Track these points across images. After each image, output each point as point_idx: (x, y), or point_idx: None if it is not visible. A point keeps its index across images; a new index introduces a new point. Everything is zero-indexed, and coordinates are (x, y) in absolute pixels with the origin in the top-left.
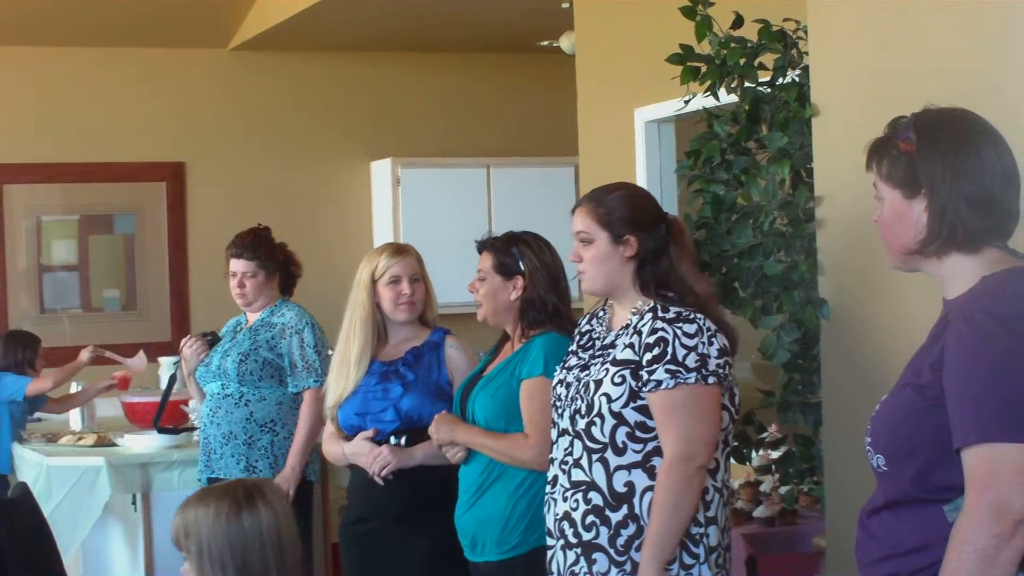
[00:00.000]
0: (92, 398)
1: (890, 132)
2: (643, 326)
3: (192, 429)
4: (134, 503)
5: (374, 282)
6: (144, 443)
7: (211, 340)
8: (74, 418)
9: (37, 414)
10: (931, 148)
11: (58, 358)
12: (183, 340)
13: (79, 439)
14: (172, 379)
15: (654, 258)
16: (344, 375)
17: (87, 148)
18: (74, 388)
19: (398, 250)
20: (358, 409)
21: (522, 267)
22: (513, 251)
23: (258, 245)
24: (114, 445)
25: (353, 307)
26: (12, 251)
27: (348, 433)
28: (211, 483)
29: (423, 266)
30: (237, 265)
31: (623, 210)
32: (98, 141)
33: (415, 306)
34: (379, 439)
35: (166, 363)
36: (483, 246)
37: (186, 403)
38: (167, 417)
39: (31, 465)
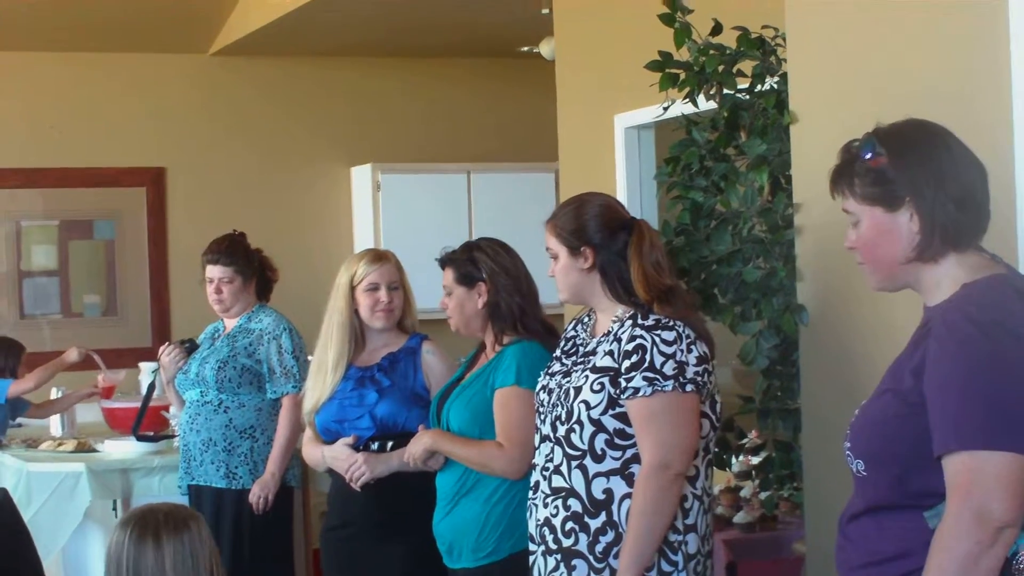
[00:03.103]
0: (73, 404)
1: (849, 156)
2: (623, 333)
3: (172, 436)
4: (115, 509)
5: (352, 288)
6: (124, 449)
7: (189, 347)
8: (54, 424)
9: (18, 419)
10: (905, 157)
11: (38, 364)
12: (161, 348)
13: (59, 445)
14: (152, 386)
15: (616, 266)
16: (321, 380)
17: (67, 153)
18: (55, 394)
19: (377, 257)
20: (335, 416)
21: (482, 273)
22: (471, 260)
23: (234, 251)
24: (94, 451)
25: (331, 312)
26: None
27: (326, 439)
28: (191, 490)
29: (403, 273)
30: (214, 271)
31: (574, 223)
32: (78, 146)
33: (392, 314)
34: (358, 446)
35: (146, 369)
36: (444, 262)
37: (167, 409)
38: (148, 423)
39: (11, 471)
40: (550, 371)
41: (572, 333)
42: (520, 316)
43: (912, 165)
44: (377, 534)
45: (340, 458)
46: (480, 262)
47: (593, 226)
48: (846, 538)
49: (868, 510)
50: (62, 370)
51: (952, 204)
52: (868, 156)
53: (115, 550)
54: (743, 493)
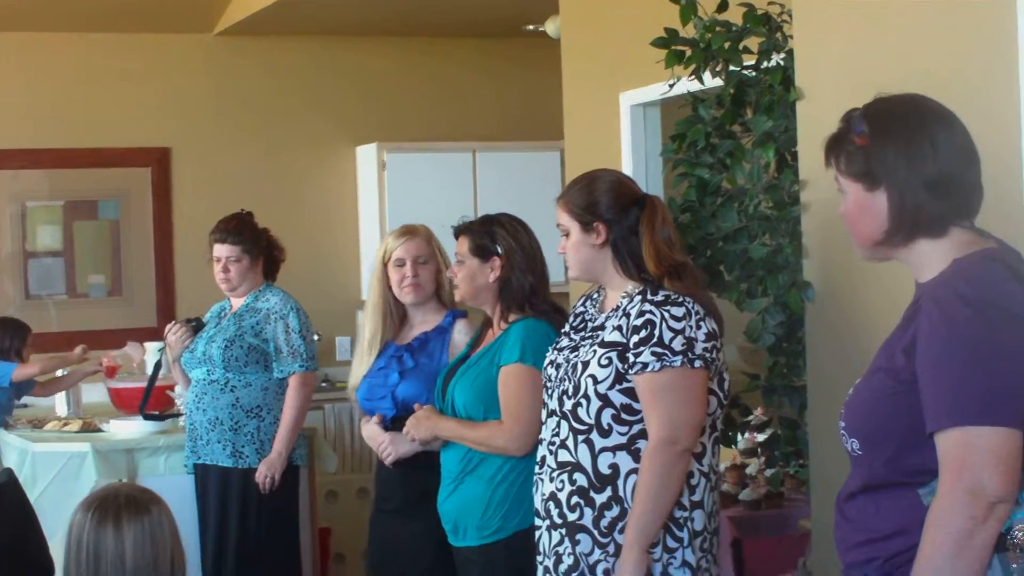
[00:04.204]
0: (78, 382)
1: (844, 126)
2: (632, 308)
3: (178, 415)
4: None
5: (384, 265)
6: (130, 429)
7: (195, 326)
8: (60, 404)
9: (23, 398)
10: (883, 139)
11: (43, 344)
12: (167, 327)
13: (64, 425)
14: (158, 365)
15: (628, 242)
16: (359, 359)
17: (72, 133)
18: (60, 372)
19: (405, 232)
20: (365, 395)
21: (499, 248)
22: (489, 233)
23: (242, 230)
24: (100, 431)
25: (369, 290)
26: None
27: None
28: (198, 469)
29: (435, 246)
30: (221, 250)
31: (586, 199)
32: (83, 126)
33: (420, 288)
34: (386, 424)
35: (151, 349)
36: (459, 231)
37: (172, 388)
38: (153, 403)
39: (16, 451)
40: (558, 346)
41: (581, 309)
42: (529, 296)
43: (888, 149)
44: (409, 510)
45: (371, 437)
46: (498, 237)
47: (605, 201)
48: (844, 517)
49: (864, 489)
50: (67, 365)
51: (924, 190)
52: (859, 131)
53: (76, 532)
54: (749, 470)
